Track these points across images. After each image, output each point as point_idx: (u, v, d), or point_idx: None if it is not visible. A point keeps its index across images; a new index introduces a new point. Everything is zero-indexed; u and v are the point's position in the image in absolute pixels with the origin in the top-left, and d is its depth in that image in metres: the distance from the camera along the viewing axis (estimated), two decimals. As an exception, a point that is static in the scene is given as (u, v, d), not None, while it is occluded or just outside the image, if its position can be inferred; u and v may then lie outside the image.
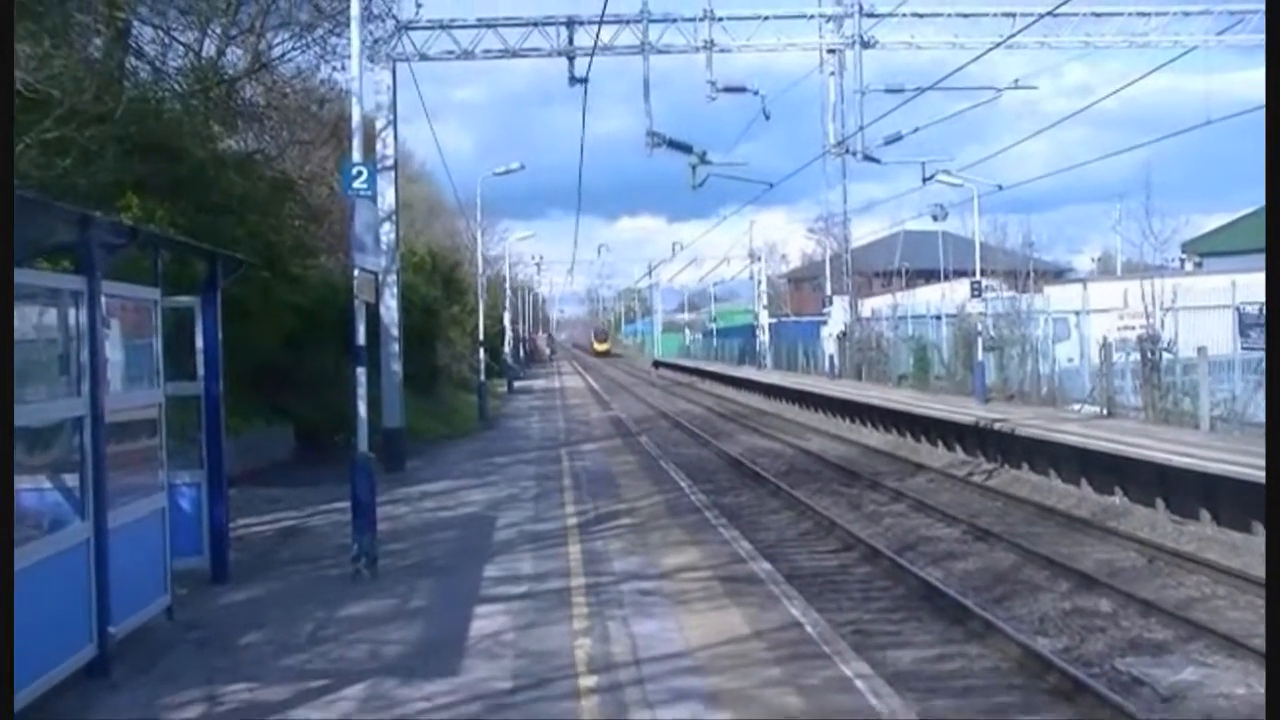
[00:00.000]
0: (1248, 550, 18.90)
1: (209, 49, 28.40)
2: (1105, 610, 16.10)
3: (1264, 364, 26.58)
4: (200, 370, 14.29)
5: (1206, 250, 64.82)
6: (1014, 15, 29.56)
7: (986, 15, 30.41)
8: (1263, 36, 29.48)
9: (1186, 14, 29.99)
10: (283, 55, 29.52)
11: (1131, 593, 16.67)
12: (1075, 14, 29.25)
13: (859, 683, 10.12)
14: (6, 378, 8.23)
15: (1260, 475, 19.24)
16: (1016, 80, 34.79)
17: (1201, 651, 13.98)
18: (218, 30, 28.11)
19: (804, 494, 26.78)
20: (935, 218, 51.86)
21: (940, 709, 11.88)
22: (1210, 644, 14.19)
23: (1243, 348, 27.66)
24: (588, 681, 10.29)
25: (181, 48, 27.28)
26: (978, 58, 27.66)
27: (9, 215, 7.93)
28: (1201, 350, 27.59)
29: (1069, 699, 12.28)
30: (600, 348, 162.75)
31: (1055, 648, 14.18)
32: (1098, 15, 30.11)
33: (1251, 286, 28.92)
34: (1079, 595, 17.01)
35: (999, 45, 27.84)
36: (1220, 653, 13.84)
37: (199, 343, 14.27)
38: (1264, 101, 6.34)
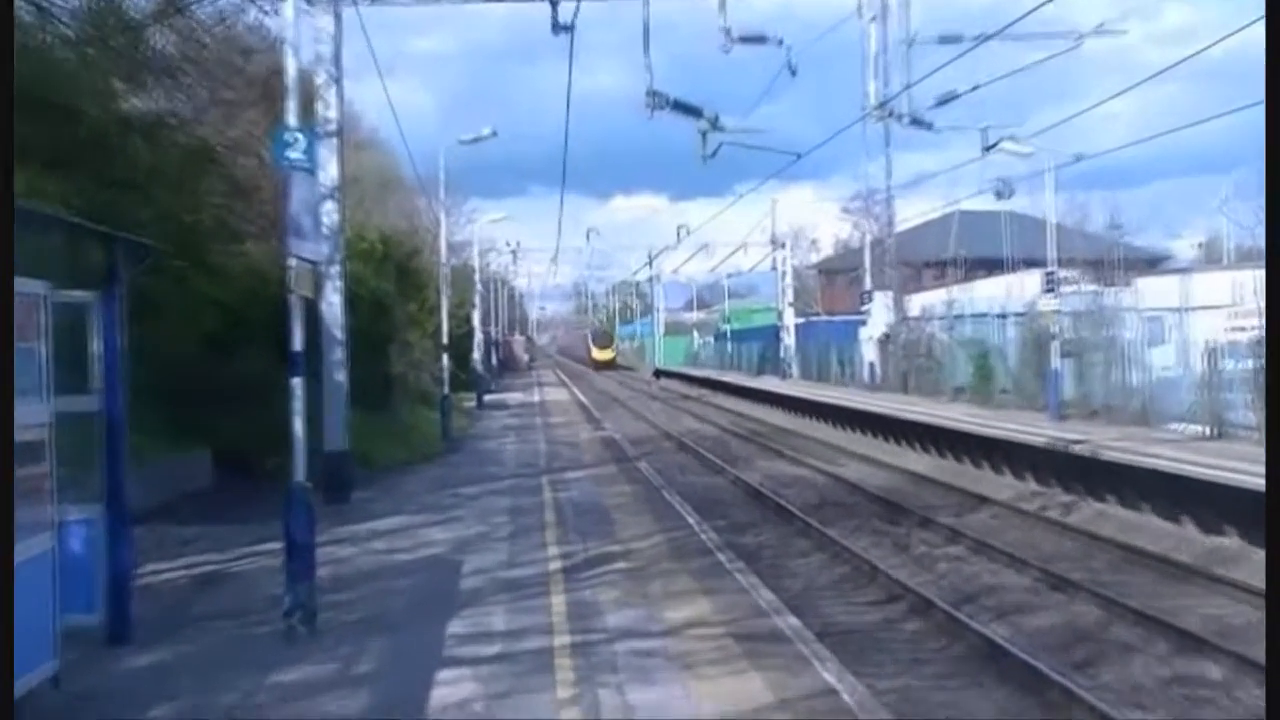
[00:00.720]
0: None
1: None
2: (1214, 678, 16.01)
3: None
4: (98, 381, 14.16)
5: (1338, 233, 64.84)
6: (1096, -54, 29.53)
7: (1063, -55, 30.41)
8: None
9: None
10: (199, -4, 29.41)
11: (1246, 656, 16.54)
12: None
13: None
14: (6, 379, 8.16)
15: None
16: (1101, 24, 34.74)
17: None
18: (118, -37, 28.01)
19: (839, 532, 26.72)
20: (999, 195, 51.93)
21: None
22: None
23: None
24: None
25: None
26: (1051, -1, 27.60)
27: (9, 216, 7.89)
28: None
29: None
30: (601, 356, 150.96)
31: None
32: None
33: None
34: (1181, 659, 16.91)
35: (1078, -17, 27.77)
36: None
37: (97, 347, 14.14)
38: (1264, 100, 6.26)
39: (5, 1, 8.44)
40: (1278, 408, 6.40)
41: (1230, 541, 23.59)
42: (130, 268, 14.79)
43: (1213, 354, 31.36)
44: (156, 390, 22.46)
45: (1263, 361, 29.16)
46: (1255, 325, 30.07)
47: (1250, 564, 22.07)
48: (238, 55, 31.74)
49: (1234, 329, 31.91)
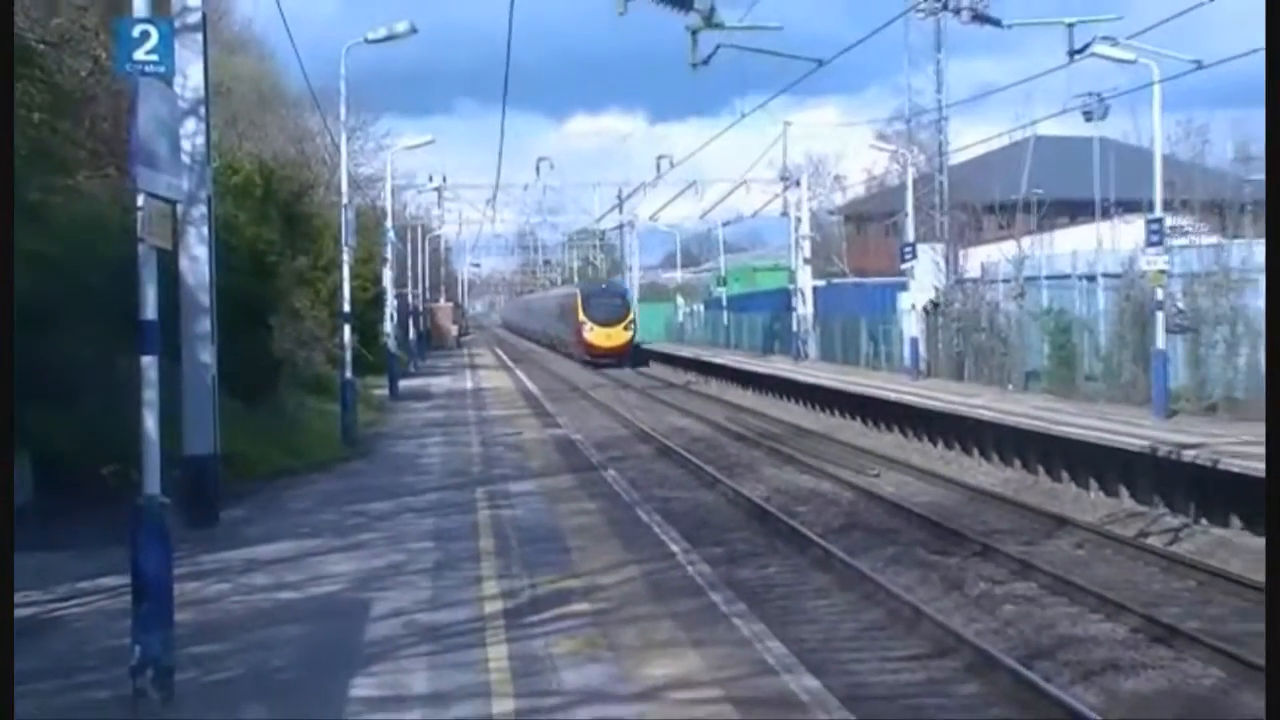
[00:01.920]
0: None
1: None
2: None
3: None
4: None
5: None
6: None
7: None
8: None
9: None
10: None
11: None
12: None
13: None
14: (6, 375, 8.20)
15: None
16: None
17: None
18: None
19: (870, 565, 26.88)
20: (1089, 116, 52.12)
21: None
22: None
23: None
24: None
25: None
26: None
27: (9, 215, 7.92)
28: None
29: None
30: (607, 341, 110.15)
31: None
32: None
33: None
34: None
35: None
36: None
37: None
38: (1265, 100, 6.40)
39: (5, 2, 8.50)
40: (1277, 406, 6.49)
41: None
42: (-76, 208, 14.77)
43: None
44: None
45: None
46: None
47: None
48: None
49: None
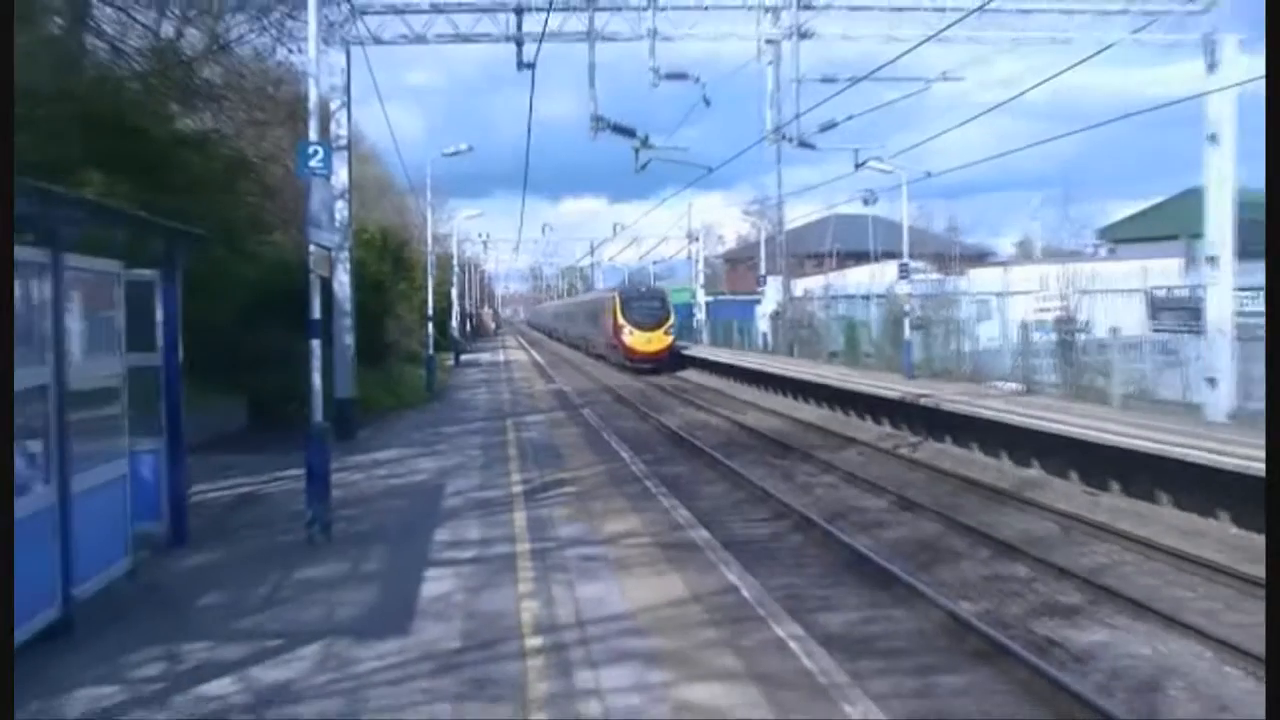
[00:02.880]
0: (1154, 520, 19.33)
1: (167, 29, 28.11)
2: (1021, 576, 16.41)
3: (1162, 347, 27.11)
4: (160, 342, 14.21)
5: (1120, 237, 65.52)
6: (944, 9, 29.71)
7: (918, 10, 30.54)
8: (1176, 37, 29.90)
9: (1105, 13, 30.26)
10: (240, 37, 29.25)
11: (1046, 559, 16.94)
12: (1003, 10, 29.42)
13: (792, 643, 10.25)
14: (6, 375, 8.18)
15: (1163, 449, 19.65)
16: (945, 72, 34.84)
17: (1110, 615, 14.34)
18: (176, 11, 27.81)
19: (738, 465, 26.96)
20: (866, 202, 51.93)
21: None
22: (1118, 607, 14.56)
23: (1152, 330, 28.07)
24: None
25: (140, 27, 26.97)
26: (909, 50, 27.76)
27: (9, 215, 7.87)
28: (1114, 331, 28.04)
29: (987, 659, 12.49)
30: (647, 345, 66.31)
31: (976, 610, 14.43)
32: (1024, 12, 30.26)
33: (1162, 272, 29.43)
34: (999, 563, 17.28)
35: (930, 39, 27.94)
36: (1126, 615, 14.20)
37: (159, 316, 14.17)
38: (1264, 102, 6.36)
39: (5, 2, 8.32)
40: (1277, 405, 6.33)
41: (1036, 472, 24.04)
42: (185, 253, 14.83)
43: (1026, 329, 32.05)
44: (204, 351, 22.29)
45: (1060, 334, 29.94)
46: (1057, 307, 30.90)
47: (1051, 490, 22.58)
48: (269, 84, 31.65)
49: (1041, 309, 32.51)
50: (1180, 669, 12.35)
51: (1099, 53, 28.53)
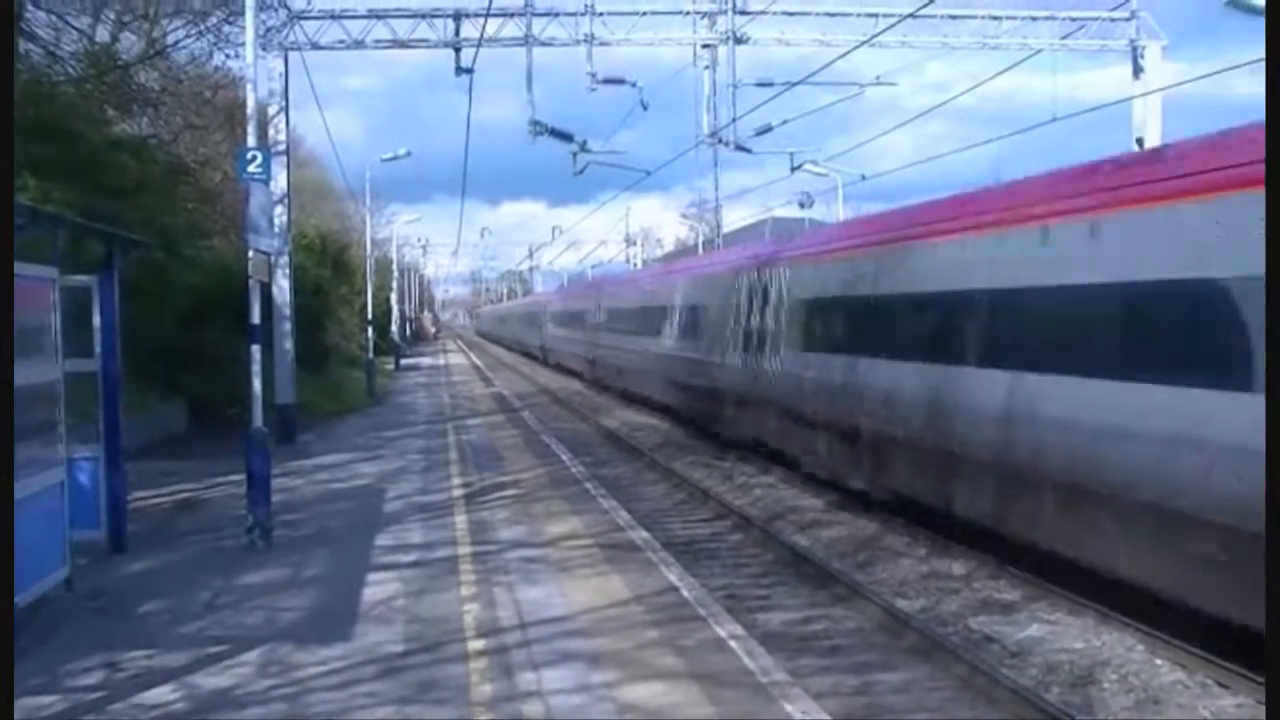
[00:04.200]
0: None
1: (102, 34, 27.83)
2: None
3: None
4: (98, 348, 14.05)
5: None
6: (877, 16, 30.04)
7: (851, 15, 30.81)
8: (1101, 43, 30.33)
9: (1034, 19, 30.66)
10: (177, 42, 29.03)
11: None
12: (934, 16, 29.71)
13: (733, 643, 10.25)
14: (6, 375, 8.06)
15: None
16: (879, 77, 35.24)
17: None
18: (111, 16, 27.54)
19: (679, 466, 26.94)
20: (802, 205, 52.50)
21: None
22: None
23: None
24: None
25: (75, 32, 26.68)
26: (843, 55, 27.91)
27: (9, 216, 7.75)
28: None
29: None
30: None
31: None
32: (954, 17, 30.62)
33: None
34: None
35: (863, 44, 28.18)
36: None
37: (96, 321, 14.01)
38: (1264, 102, 6.22)
39: (5, 2, 8.19)
40: (1278, 406, 6.22)
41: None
42: (123, 258, 14.73)
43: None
44: (143, 356, 22.20)
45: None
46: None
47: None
48: (207, 89, 31.47)
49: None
50: None
51: (1028, 58, 28.88)
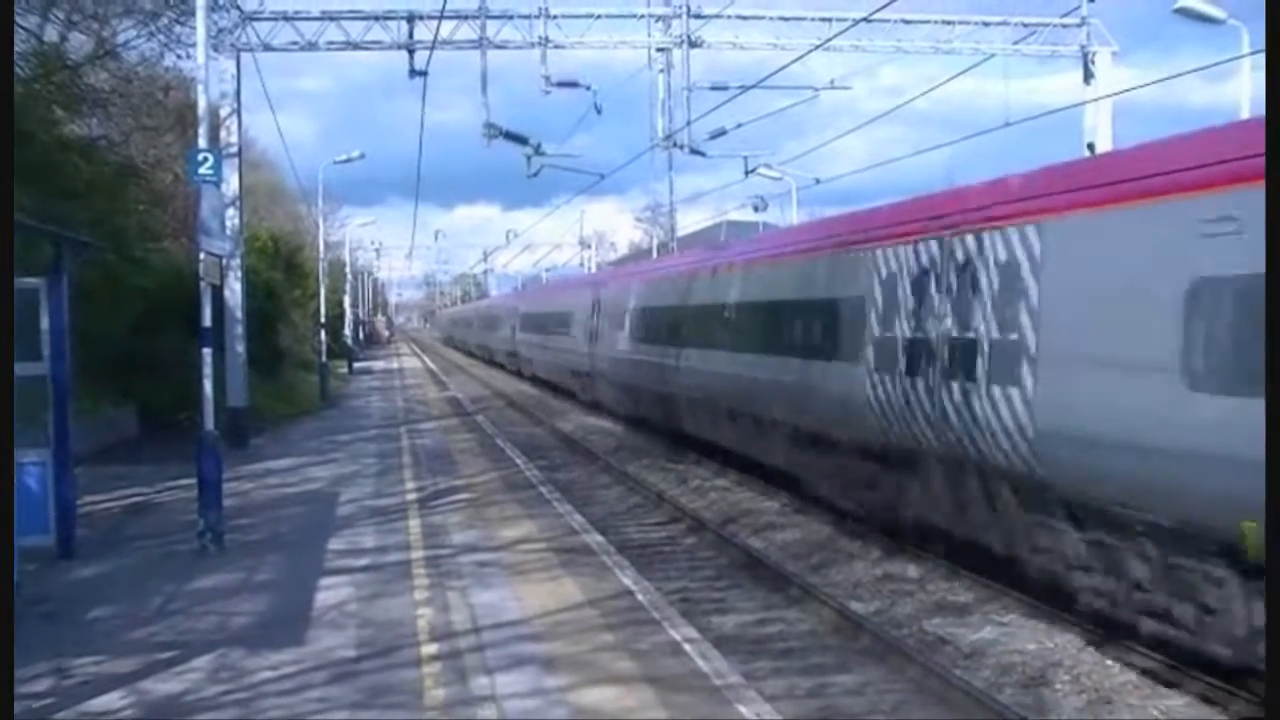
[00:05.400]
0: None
1: (51, 34, 27.56)
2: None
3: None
4: (46, 351, 13.91)
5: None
6: (831, 20, 30.16)
7: (806, 19, 30.93)
8: (1053, 49, 30.57)
9: (986, 24, 30.88)
10: (127, 43, 28.75)
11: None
12: (888, 20, 29.81)
13: (687, 646, 10.26)
14: (6, 375, 7.97)
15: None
16: (833, 80, 35.25)
17: None
18: (60, 15, 27.27)
19: (633, 470, 26.97)
20: (756, 208, 52.58)
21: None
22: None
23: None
24: None
25: (23, 31, 26.39)
26: (797, 59, 27.97)
27: (9, 218, 7.66)
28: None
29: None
30: None
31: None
32: (908, 22, 30.76)
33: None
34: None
35: (817, 48, 28.21)
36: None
37: (45, 324, 13.88)
38: (1265, 102, 6.33)
39: (5, 3, 8.11)
40: (1278, 406, 6.38)
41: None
42: (72, 260, 14.63)
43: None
44: (94, 359, 21.97)
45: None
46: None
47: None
48: (158, 91, 31.19)
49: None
50: None
51: (980, 63, 29.06)
